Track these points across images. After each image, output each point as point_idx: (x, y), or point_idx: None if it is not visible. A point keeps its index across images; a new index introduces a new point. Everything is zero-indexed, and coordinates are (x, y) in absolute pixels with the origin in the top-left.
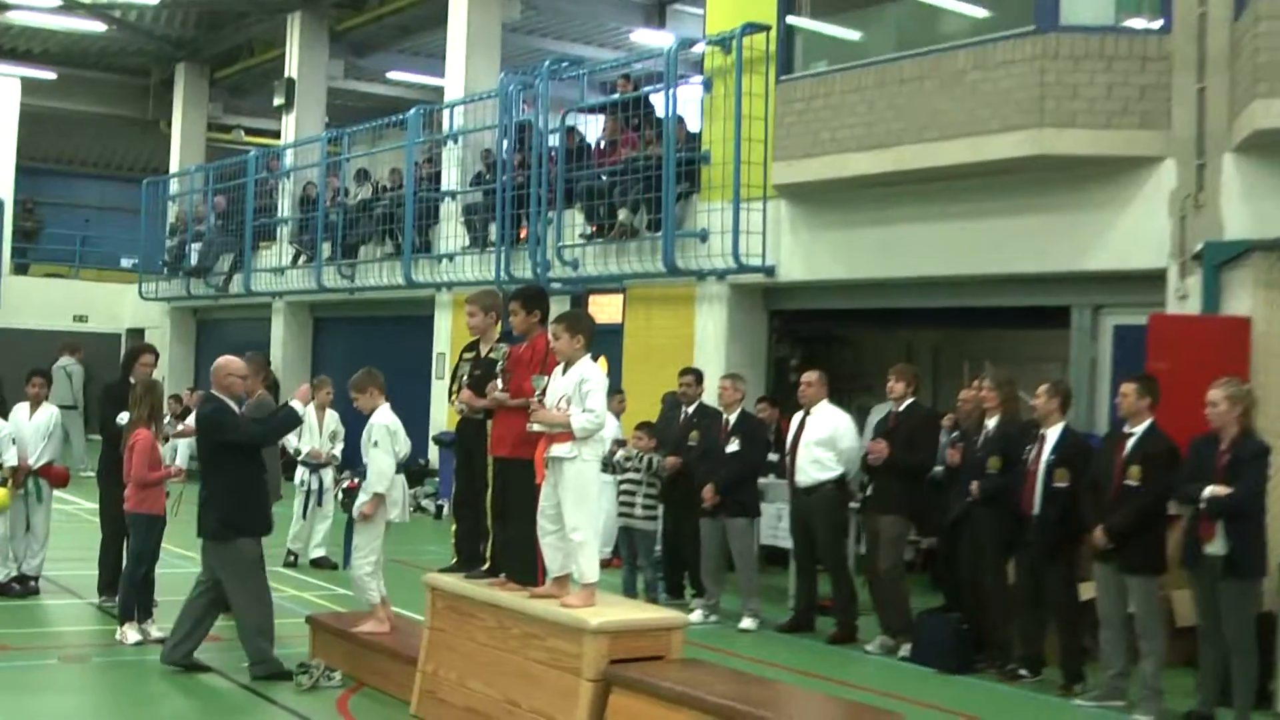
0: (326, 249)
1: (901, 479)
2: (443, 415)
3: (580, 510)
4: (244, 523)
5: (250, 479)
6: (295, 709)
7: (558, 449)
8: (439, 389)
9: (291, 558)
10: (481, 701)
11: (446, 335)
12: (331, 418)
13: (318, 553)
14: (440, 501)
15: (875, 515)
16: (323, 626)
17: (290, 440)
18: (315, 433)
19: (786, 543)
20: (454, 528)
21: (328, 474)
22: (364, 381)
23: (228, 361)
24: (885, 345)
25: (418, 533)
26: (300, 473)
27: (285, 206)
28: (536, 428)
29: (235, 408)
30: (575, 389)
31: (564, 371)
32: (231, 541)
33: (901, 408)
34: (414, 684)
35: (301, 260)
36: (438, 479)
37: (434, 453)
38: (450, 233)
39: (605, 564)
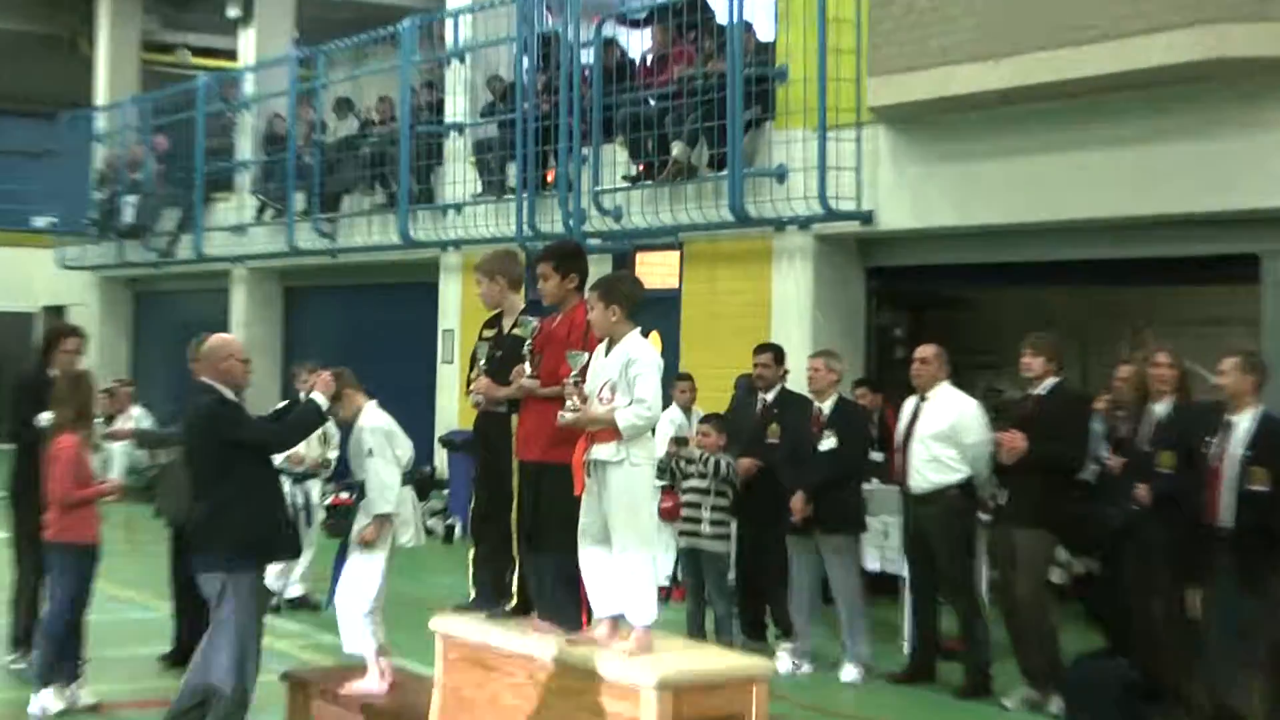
0: (300, 200)
1: (1044, 482)
2: (453, 409)
3: (631, 529)
4: (270, 544)
5: (268, 489)
6: None
7: (600, 451)
8: (447, 376)
9: (273, 600)
10: None
11: (455, 308)
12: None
13: (297, 589)
14: (451, 520)
15: (1011, 529)
16: (303, 685)
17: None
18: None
19: (897, 567)
20: (471, 553)
21: (315, 486)
22: (344, 382)
23: (226, 341)
24: (1018, 310)
25: (423, 560)
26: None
27: (246, 147)
28: (568, 417)
29: (236, 399)
30: (620, 373)
31: (606, 352)
32: (249, 572)
33: (1041, 389)
34: None
35: (268, 215)
36: (447, 491)
37: (442, 457)
38: (458, 177)
39: (664, 595)
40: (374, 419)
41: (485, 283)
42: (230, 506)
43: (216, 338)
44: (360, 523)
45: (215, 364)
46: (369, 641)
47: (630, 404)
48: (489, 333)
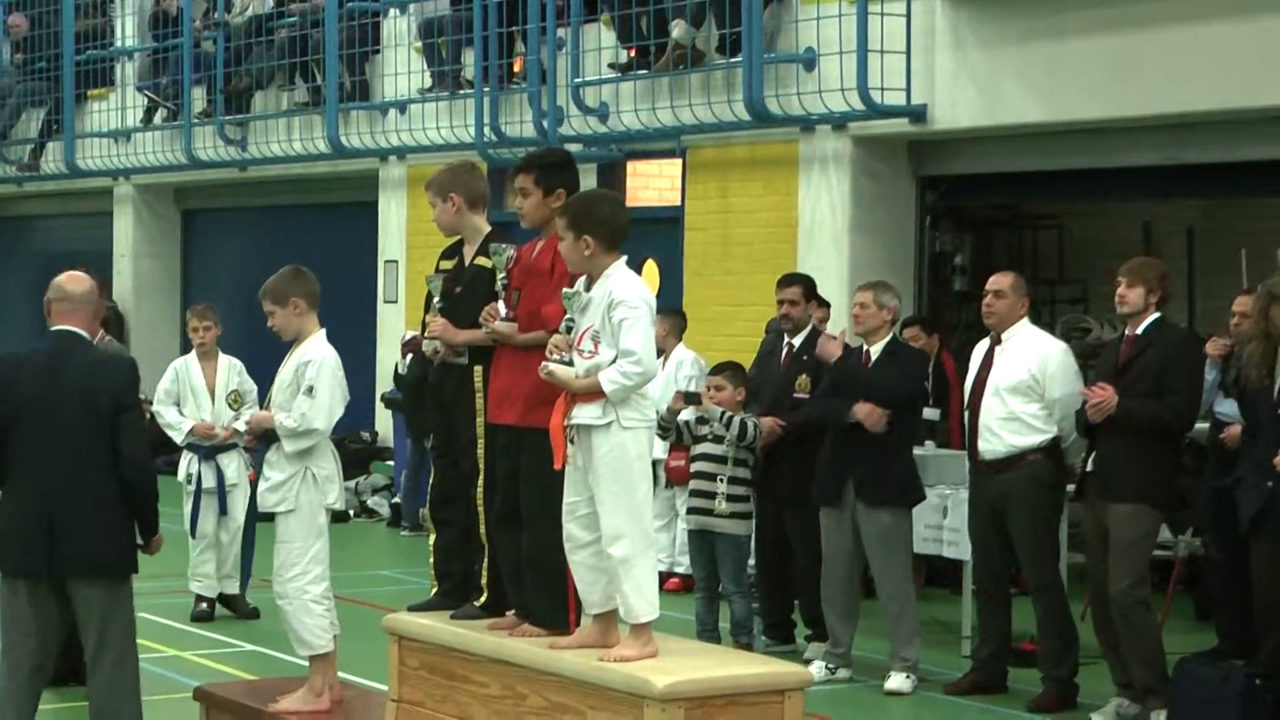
0: (199, 98)
1: (1144, 445)
2: (397, 361)
3: (623, 507)
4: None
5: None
6: None
7: (583, 413)
8: (390, 319)
9: (204, 606)
10: None
11: (399, 233)
12: (228, 368)
13: (230, 586)
14: (397, 498)
15: (1103, 504)
16: (221, 704)
17: (164, 413)
18: (204, 398)
19: (956, 550)
20: (431, 539)
21: (231, 461)
22: (286, 287)
23: (76, 279)
24: (1111, 229)
25: (364, 547)
26: (186, 463)
27: (128, 30)
28: (555, 370)
29: None
30: (603, 319)
31: (586, 290)
32: (129, 579)
33: (1140, 329)
34: None
35: (159, 117)
36: (392, 463)
37: (385, 421)
38: (400, 68)
39: (665, 584)
40: (322, 350)
41: (438, 204)
42: (114, 499)
43: (69, 279)
44: (284, 446)
45: (82, 310)
46: (324, 636)
47: (615, 359)
48: (447, 264)
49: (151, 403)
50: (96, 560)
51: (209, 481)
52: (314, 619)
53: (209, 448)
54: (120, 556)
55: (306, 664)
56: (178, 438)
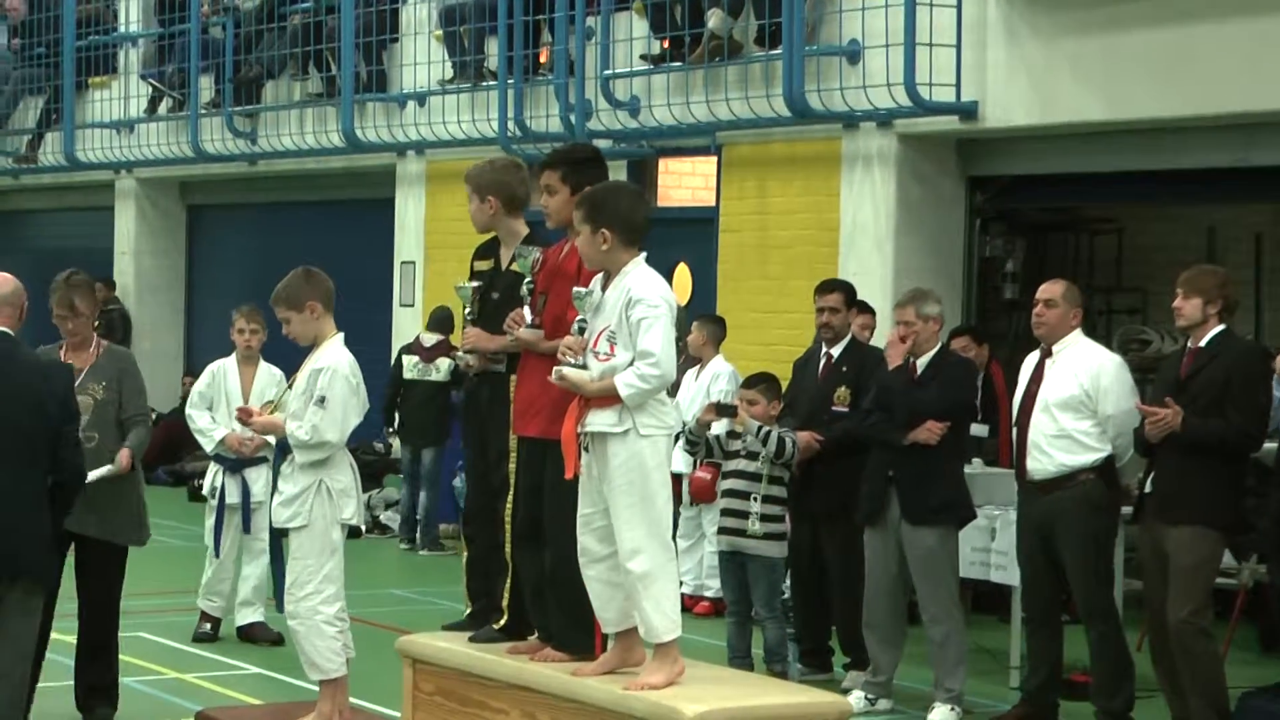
0: (206, 88)
1: (1206, 465)
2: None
3: (640, 520)
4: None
5: None
6: None
7: (598, 419)
8: (407, 323)
9: (208, 625)
10: None
11: (417, 231)
12: (267, 376)
13: (250, 615)
14: (417, 514)
15: (1162, 527)
16: None
17: (197, 417)
18: (237, 403)
19: (1005, 575)
20: (465, 557)
21: (259, 477)
22: (300, 290)
23: (3, 280)
24: (1173, 235)
25: (378, 565)
26: (211, 475)
27: (132, 15)
28: (567, 374)
29: None
30: (620, 318)
31: (603, 288)
32: (42, 589)
33: (1202, 342)
34: None
35: (164, 107)
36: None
37: None
38: (420, 57)
39: (695, 607)
40: (339, 356)
41: (475, 201)
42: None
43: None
44: (295, 459)
45: (18, 309)
46: (336, 659)
47: (632, 361)
48: (482, 264)
49: (155, 411)
50: (19, 562)
51: (233, 497)
52: (326, 641)
53: (236, 460)
54: (39, 561)
55: (316, 688)
56: (208, 445)
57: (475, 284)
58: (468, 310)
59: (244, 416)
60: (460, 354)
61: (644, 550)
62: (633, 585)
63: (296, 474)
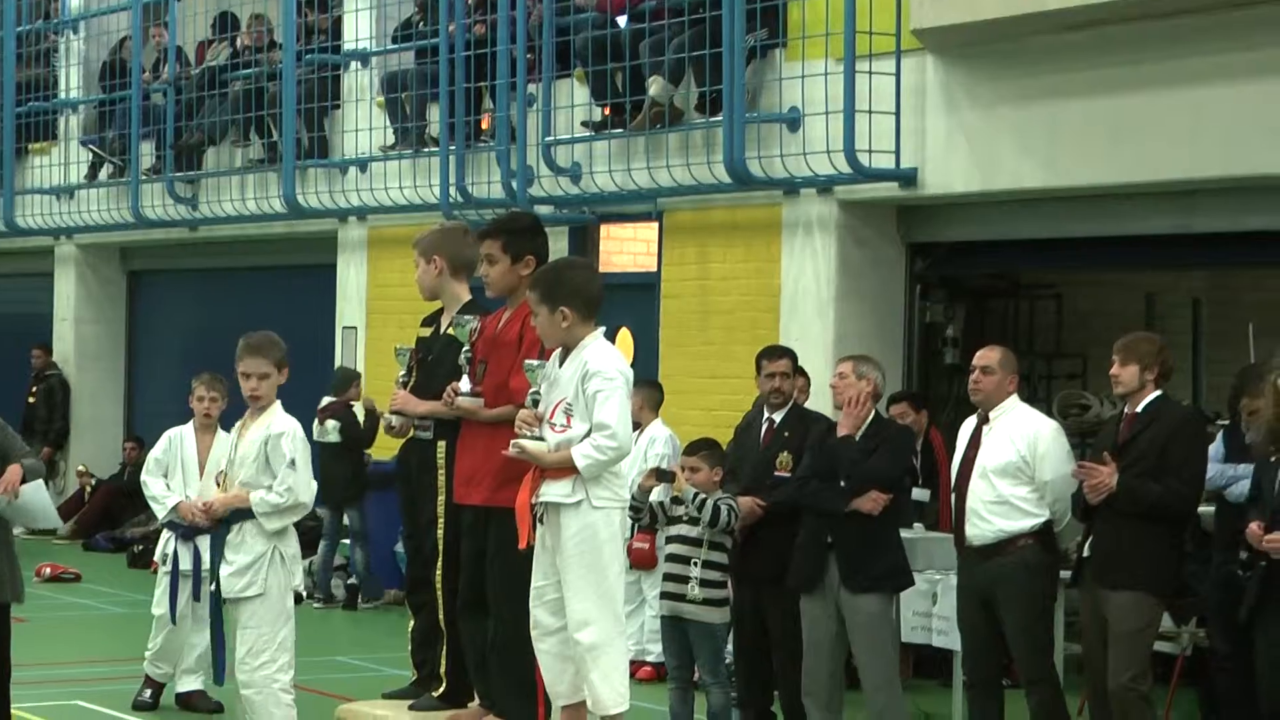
0: (147, 154)
1: (1145, 529)
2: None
3: (591, 591)
4: None
5: None
6: None
7: (552, 490)
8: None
9: (149, 692)
10: None
11: (358, 297)
12: (224, 445)
13: (189, 683)
14: (353, 579)
15: (1101, 591)
16: None
17: (151, 484)
18: (193, 473)
19: (946, 640)
20: (410, 625)
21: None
22: (279, 351)
23: None
24: (1112, 300)
25: (320, 631)
26: (163, 542)
27: (72, 81)
28: (526, 446)
29: None
30: (576, 391)
31: (560, 362)
32: None
33: (1139, 407)
34: None
35: (104, 173)
36: (347, 541)
37: None
38: (361, 124)
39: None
40: (292, 421)
41: (421, 264)
42: None
43: None
44: (270, 523)
45: None
46: None
47: (589, 433)
48: (425, 332)
49: (95, 478)
50: None
51: (185, 563)
52: (282, 710)
53: (189, 527)
54: None
55: None
56: (160, 513)
57: (410, 347)
58: (402, 374)
59: (191, 512)
60: (386, 415)
61: (594, 622)
62: (581, 657)
63: (249, 542)
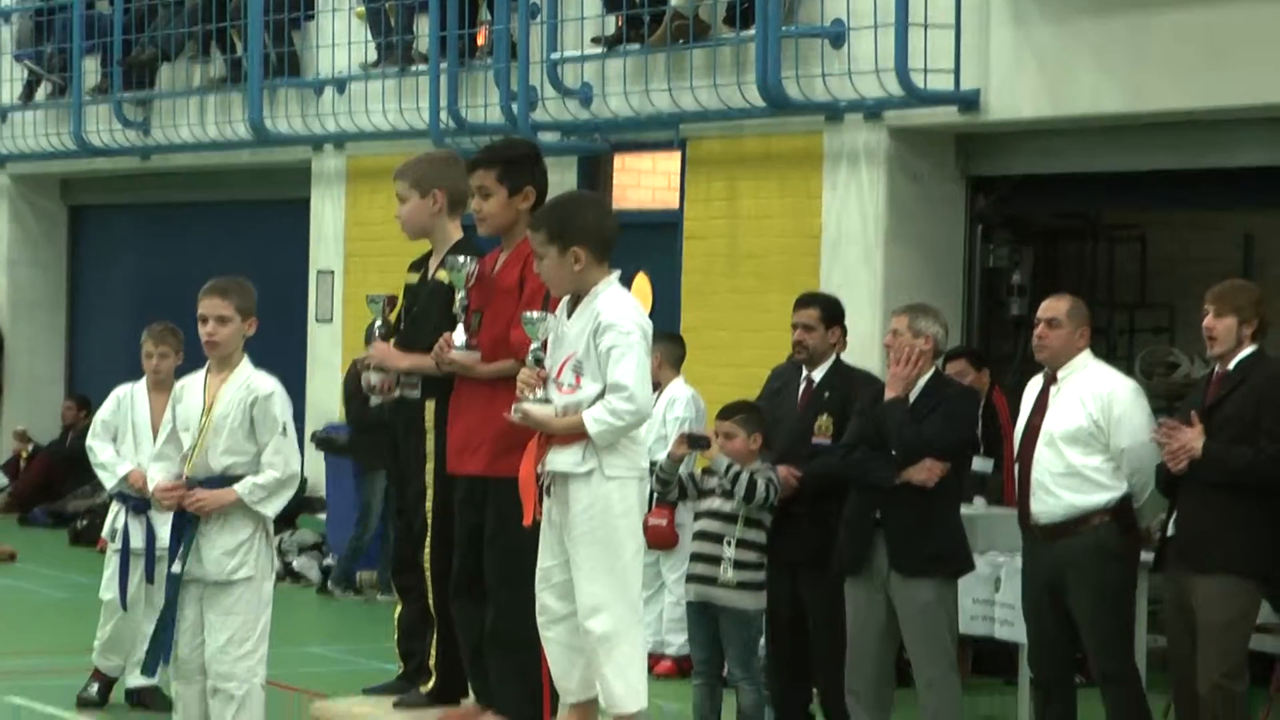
0: (91, 71)
1: (1238, 504)
2: (333, 392)
3: (603, 573)
4: None
5: None
6: None
7: (560, 459)
8: (324, 342)
9: (96, 687)
10: None
11: (335, 237)
12: (184, 401)
13: (142, 678)
14: (329, 560)
15: (1188, 577)
16: None
17: (98, 450)
18: (145, 437)
19: (1011, 632)
20: (396, 612)
21: (167, 520)
22: (248, 296)
23: None
24: (1204, 243)
25: (293, 616)
26: (113, 517)
27: None
28: (530, 411)
29: None
30: (586, 346)
31: (569, 312)
32: None
33: (1232, 365)
34: None
35: (42, 93)
36: (323, 516)
37: (317, 464)
38: (339, 37)
39: (655, 667)
40: (270, 380)
41: (412, 198)
42: None
43: None
44: (262, 507)
45: None
46: None
47: (602, 394)
48: (413, 278)
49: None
50: None
51: (137, 541)
52: (260, 707)
53: (140, 500)
54: None
55: None
56: (109, 482)
57: (385, 295)
58: (378, 324)
59: (142, 482)
60: (365, 373)
61: (607, 608)
62: (592, 648)
63: (235, 520)
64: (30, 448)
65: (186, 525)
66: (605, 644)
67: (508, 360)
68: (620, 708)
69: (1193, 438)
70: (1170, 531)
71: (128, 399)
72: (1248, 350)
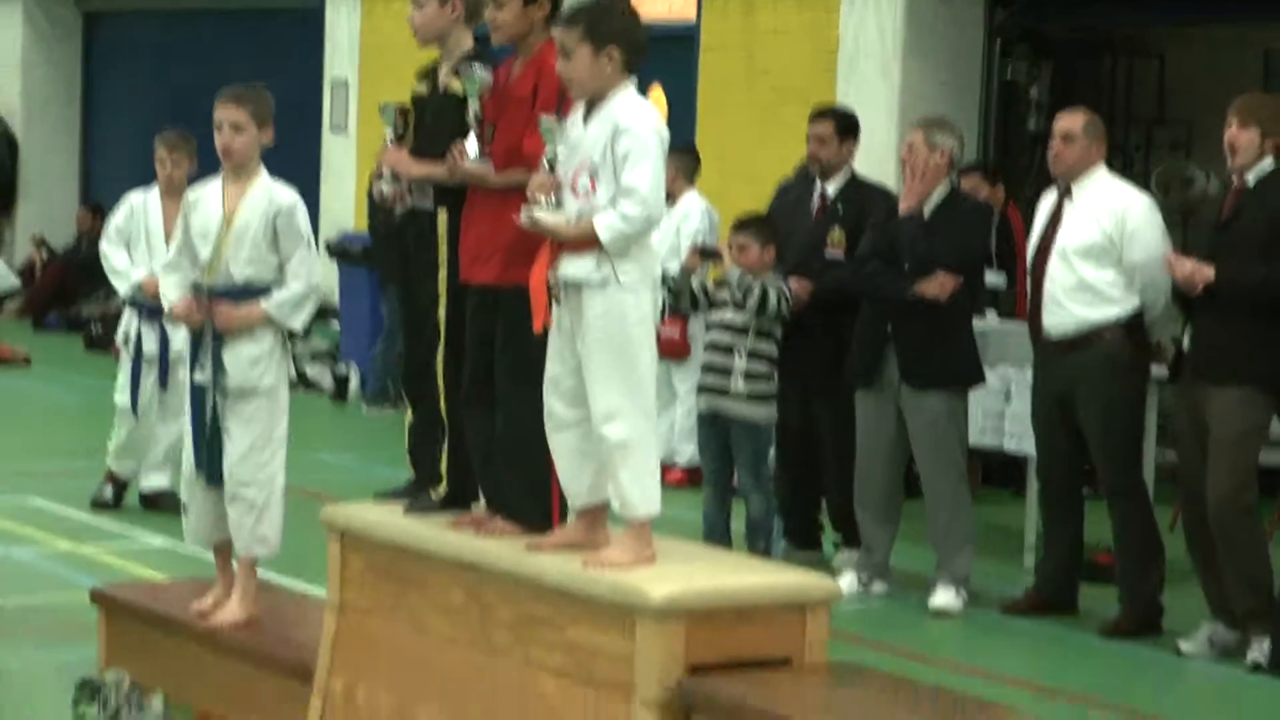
0: None
1: (1255, 318)
2: (347, 202)
3: (618, 381)
4: None
5: None
6: None
7: (572, 266)
8: (339, 152)
9: (110, 489)
10: None
11: (349, 46)
12: (200, 209)
13: (155, 480)
14: (344, 368)
15: (1202, 389)
16: (124, 609)
17: (111, 255)
18: (158, 243)
19: (1020, 444)
20: (408, 420)
21: (181, 326)
22: (265, 103)
23: None
24: (1223, 59)
25: (305, 424)
26: (126, 322)
27: None
28: (539, 218)
29: None
30: (604, 153)
31: (585, 119)
32: None
33: (1251, 179)
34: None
35: None
36: (336, 324)
37: (331, 273)
38: None
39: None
40: (293, 195)
41: (430, 4)
42: None
43: None
44: (290, 317)
45: None
46: (274, 536)
47: (618, 198)
48: (421, 89)
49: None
50: None
51: (150, 347)
52: (279, 514)
53: (154, 306)
54: None
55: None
56: (122, 288)
57: (397, 104)
58: (389, 133)
59: (156, 289)
60: (376, 183)
61: (623, 415)
62: (608, 454)
63: (259, 330)
64: (45, 254)
65: (208, 336)
66: (622, 450)
67: (521, 170)
68: (635, 512)
69: (1200, 271)
70: (1186, 345)
71: (141, 206)
72: (1268, 165)
